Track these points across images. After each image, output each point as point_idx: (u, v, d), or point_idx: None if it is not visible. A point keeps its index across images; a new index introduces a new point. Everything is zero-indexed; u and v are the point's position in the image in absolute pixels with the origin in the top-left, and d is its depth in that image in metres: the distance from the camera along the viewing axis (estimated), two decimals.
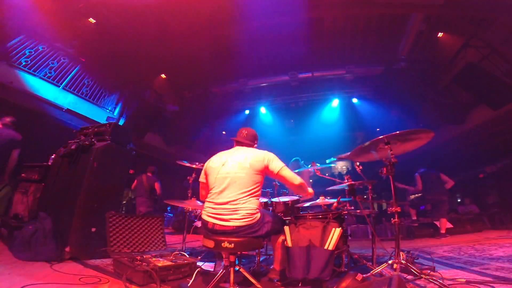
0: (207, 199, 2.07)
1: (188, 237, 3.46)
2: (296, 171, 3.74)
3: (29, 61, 5.67)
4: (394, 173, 2.17)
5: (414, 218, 5.32)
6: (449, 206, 5.33)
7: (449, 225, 5.04)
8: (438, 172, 5.24)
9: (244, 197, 1.93)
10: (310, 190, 2.25)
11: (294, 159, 4.49)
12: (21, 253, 2.57)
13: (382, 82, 8.14)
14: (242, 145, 2.23)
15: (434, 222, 5.24)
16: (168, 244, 3.36)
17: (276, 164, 2.05)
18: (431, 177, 5.18)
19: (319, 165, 3.32)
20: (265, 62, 7.69)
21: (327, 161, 3.47)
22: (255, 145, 2.31)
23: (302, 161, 4.44)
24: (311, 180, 7.36)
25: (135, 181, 6.23)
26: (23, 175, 3.72)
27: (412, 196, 5.44)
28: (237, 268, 1.91)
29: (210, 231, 1.96)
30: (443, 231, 4.79)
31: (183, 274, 2.32)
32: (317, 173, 3.30)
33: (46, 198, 3.22)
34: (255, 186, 1.99)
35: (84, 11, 5.64)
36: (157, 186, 6.11)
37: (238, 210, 1.89)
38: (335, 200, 2.76)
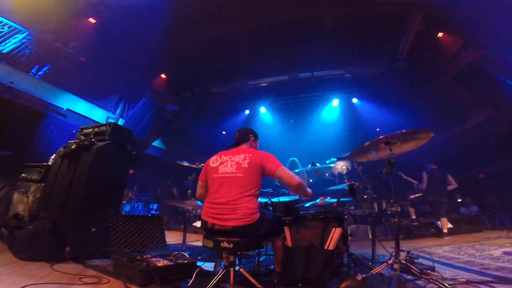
0: (207, 199, 2.08)
1: (188, 237, 3.46)
2: (296, 171, 3.74)
3: (29, 61, 5.67)
4: (394, 173, 2.17)
5: (414, 217, 5.29)
6: (448, 206, 5.33)
7: (449, 225, 5.04)
8: (445, 173, 5.19)
9: (242, 197, 1.93)
10: (309, 190, 2.25)
11: (291, 159, 4.47)
12: (21, 253, 2.57)
13: (382, 82, 8.13)
14: (239, 145, 2.28)
15: (434, 222, 5.25)
16: (168, 244, 3.36)
17: (273, 164, 2.05)
18: (437, 178, 5.14)
19: (318, 165, 3.32)
20: (265, 62, 7.69)
21: (327, 161, 3.47)
22: (252, 138, 2.34)
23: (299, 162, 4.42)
24: (310, 180, 7.36)
25: (158, 189, 7.80)
26: (23, 175, 3.72)
27: (412, 196, 5.43)
28: (237, 268, 1.91)
29: (209, 231, 1.96)
30: (445, 230, 4.79)
31: (183, 274, 2.32)
32: (317, 173, 3.30)
33: (46, 198, 3.21)
34: (253, 186, 1.99)
35: (84, 11, 5.63)
36: (174, 191, 7.46)
37: (236, 210, 1.89)
38: (335, 200, 2.76)
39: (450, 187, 5.18)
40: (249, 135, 2.33)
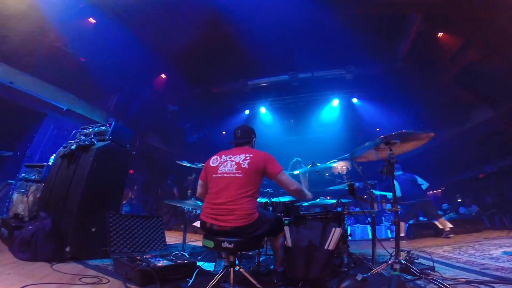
0: (206, 199, 2.08)
1: (188, 237, 3.46)
2: (297, 172, 3.73)
3: (29, 61, 5.66)
4: (394, 173, 2.17)
5: (402, 234, 4.84)
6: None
7: (449, 225, 5.02)
8: (412, 174, 5.14)
9: (242, 197, 1.92)
10: (308, 194, 2.23)
11: (295, 159, 4.45)
12: (21, 253, 2.57)
13: (382, 82, 8.14)
14: (241, 145, 2.24)
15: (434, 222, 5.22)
16: (168, 244, 3.36)
17: (275, 168, 2.05)
18: (407, 181, 5.05)
19: (319, 165, 3.32)
20: (265, 62, 7.69)
21: (328, 163, 3.47)
22: (254, 139, 2.32)
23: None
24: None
25: (159, 189, 7.73)
26: (23, 175, 3.73)
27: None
28: (237, 268, 1.91)
29: (208, 231, 1.96)
30: (447, 229, 4.67)
31: (183, 274, 2.32)
32: (317, 173, 3.30)
33: (46, 198, 3.22)
34: (253, 187, 1.98)
35: (84, 11, 5.63)
36: (175, 191, 7.40)
37: (235, 211, 1.89)
38: (335, 200, 2.77)
39: (425, 187, 5.09)
40: (251, 136, 2.30)
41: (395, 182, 5.01)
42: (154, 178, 10.35)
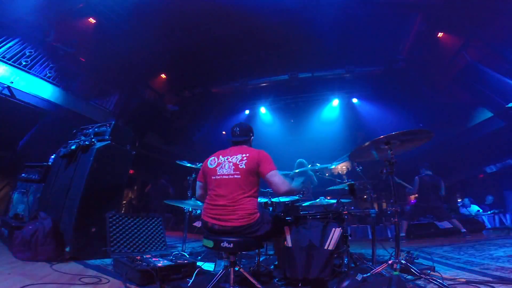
0: (206, 200, 2.07)
1: (188, 237, 3.46)
2: (298, 170, 3.73)
3: (29, 61, 5.66)
4: (394, 173, 2.17)
5: (403, 234, 4.81)
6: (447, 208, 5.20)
7: (449, 225, 5.02)
8: (440, 179, 5.02)
9: (242, 197, 1.92)
10: (292, 187, 2.11)
11: (299, 160, 4.42)
12: (21, 253, 2.58)
13: (382, 82, 8.14)
14: (238, 144, 2.22)
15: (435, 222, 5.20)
16: (168, 244, 3.36)
17: (267, 167, 1.98)
18: (428, 184, 4.97)
19: (319, 165, 3.32)
20: (265, 62, 7.69)
21: (331, 165, 3.46)
22: (252, 137, 2.30)
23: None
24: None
25: (149, 185, 7.07)
26: (23, 175, 3.73)
27: (412, 197, 5.31)
28: (237, 268, 1.91)
29: (209, 231, 1.96)
30: (463, 230, 4.58)
31: (183, 274, 2.32)
32: (317, 173, 3.31)
33: (46, 198, 3.22)
34: (252, 187, 1.98)
35: (84, 11, 5.64)
36: (170, 190, 7.19)
37: (236, 211, 1.89)
38: (335, 200, 2.77)
39: (442, 194, 4.97)
40: (249, 134, 2.28)
41: (416, 178, 5.04)
42: (154, 178, 10.34)
